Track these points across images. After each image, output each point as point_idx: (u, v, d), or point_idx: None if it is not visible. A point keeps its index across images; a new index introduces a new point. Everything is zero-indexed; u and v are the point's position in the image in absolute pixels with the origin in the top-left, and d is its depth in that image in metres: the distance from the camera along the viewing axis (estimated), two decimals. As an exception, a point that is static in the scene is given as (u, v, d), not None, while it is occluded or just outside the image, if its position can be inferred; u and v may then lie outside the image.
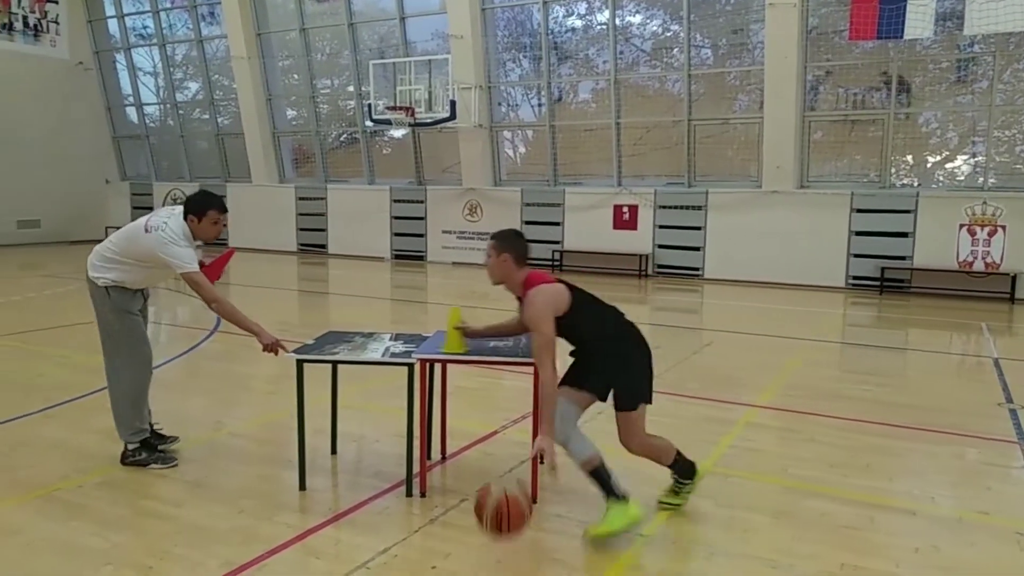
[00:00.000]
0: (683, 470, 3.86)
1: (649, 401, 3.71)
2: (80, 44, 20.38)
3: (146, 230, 4.31)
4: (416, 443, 4.10)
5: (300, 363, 4.05)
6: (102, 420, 4.68)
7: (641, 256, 14.53)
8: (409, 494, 4.00)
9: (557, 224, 15.38)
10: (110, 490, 4.09)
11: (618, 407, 3.69)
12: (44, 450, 4.70)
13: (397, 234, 17.24)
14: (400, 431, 4.25)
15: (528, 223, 15.30)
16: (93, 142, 20.91)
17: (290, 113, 19.09)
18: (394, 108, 14.14)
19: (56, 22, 19.80)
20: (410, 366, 3.95)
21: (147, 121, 20.90)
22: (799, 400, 6.12)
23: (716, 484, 4.21)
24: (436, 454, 4.58)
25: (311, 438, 4.24)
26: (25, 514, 3.76)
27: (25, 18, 19.12)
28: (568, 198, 15.32)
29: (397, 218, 17.22)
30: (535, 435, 3.65)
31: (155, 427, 4.64)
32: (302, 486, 4.10)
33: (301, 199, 18.46)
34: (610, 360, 3.70)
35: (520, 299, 3.74)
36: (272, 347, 4.26)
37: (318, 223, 18.24)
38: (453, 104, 14.17)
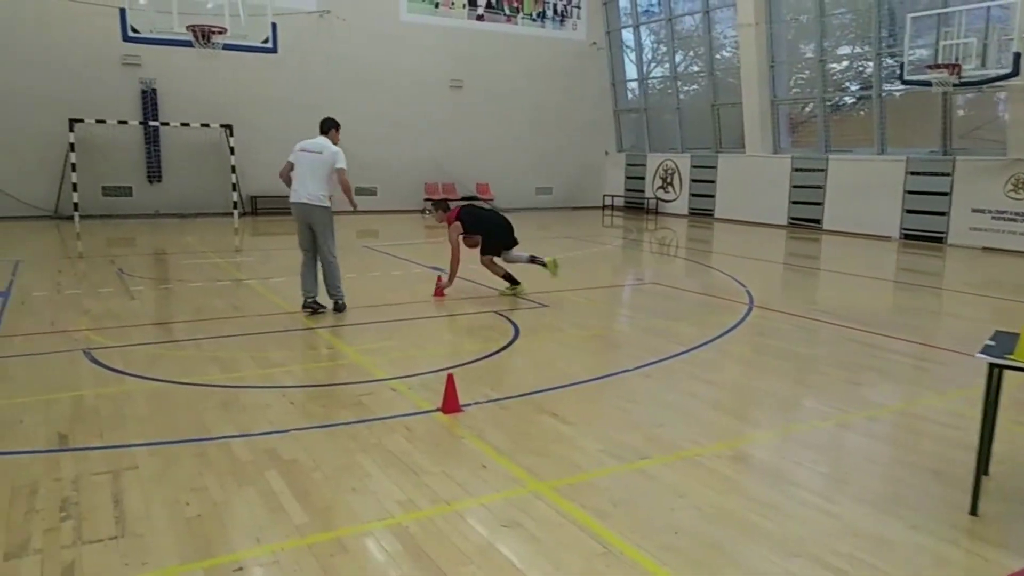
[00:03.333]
0: (511, 280, 8.50)
1: (497, 254, 8.50)
2: (595, 25, 22.26)
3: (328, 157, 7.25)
4: None
5: (997, 369, 3.37)
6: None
7: None
8: None
9: None
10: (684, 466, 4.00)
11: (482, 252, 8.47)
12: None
13: (910, 211, 15.27)
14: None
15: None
16: (598, 116, 22.81)
17: (791, 79, 18.20)
18: (935, 66, 12.30)
19: (578, 7, 21.90)
20: None
21: (646, 94, 21.97)
22: None
23: None
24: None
25: (957, 451, 3.56)
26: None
27: (555, 5, 21.52)
28: None
29: (912, 192, 15.22)
30: None
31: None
32: (973, 510, 3.47)
33: (796, 170, 17.56)
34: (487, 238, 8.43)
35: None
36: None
37: (813, 196, 17.16)
38: (1017, 57, 11.76)
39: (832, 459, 4.13)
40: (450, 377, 4.80)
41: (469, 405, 4.82)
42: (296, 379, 5.42)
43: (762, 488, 3.72)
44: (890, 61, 15.52)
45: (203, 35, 10.21)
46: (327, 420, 4.57)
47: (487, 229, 8.47)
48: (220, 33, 10.37)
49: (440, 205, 8.79)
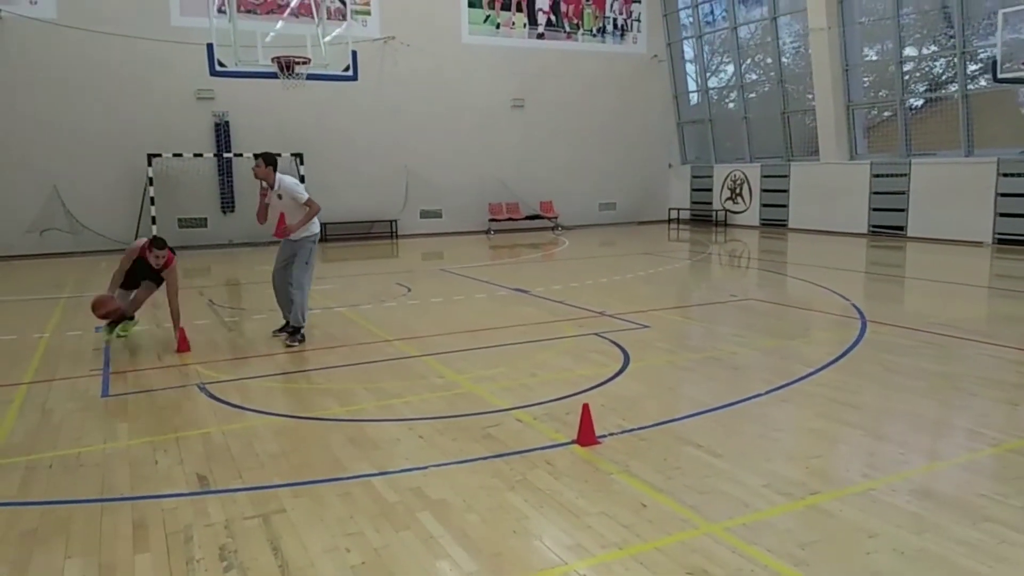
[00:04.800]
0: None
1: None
2: (655, 37, 22.01)
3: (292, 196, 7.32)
4: None
5: None
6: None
7: None
8: None
9: None
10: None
11: None
12: (808, 438, 4.57)
13: (1003, 214, 14.56)
14: None
15: None
16: (660, 129, 22.50)
17: (865, 82, 17.67)
18: (1033, 62, 11.72)
19: (638, 20, 21.71)
20: None
21: (709, 104, 21.60)
22: None
23: None
24: None
25: None
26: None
27: (615, 20, 21.36)
28: None
29: (1004, 195, 14.52)
30: None
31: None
32: None
33: (876, 176, 16.94)
34: None
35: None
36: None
37: (896, 202, 16.52)
38: (1125, 48, 11.14)
39: (1021, 491, 3.77)
40: (586, 407, 4.59)
41: (604, 436, 4.60)
42: (417, 411, 5.27)
43: (958, 526, 3.40)
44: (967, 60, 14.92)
45: (287, 66, 10.31)
46: (462, 455, 4.39)
47: None
48: (304, 63, 10.47)
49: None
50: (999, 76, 12.69)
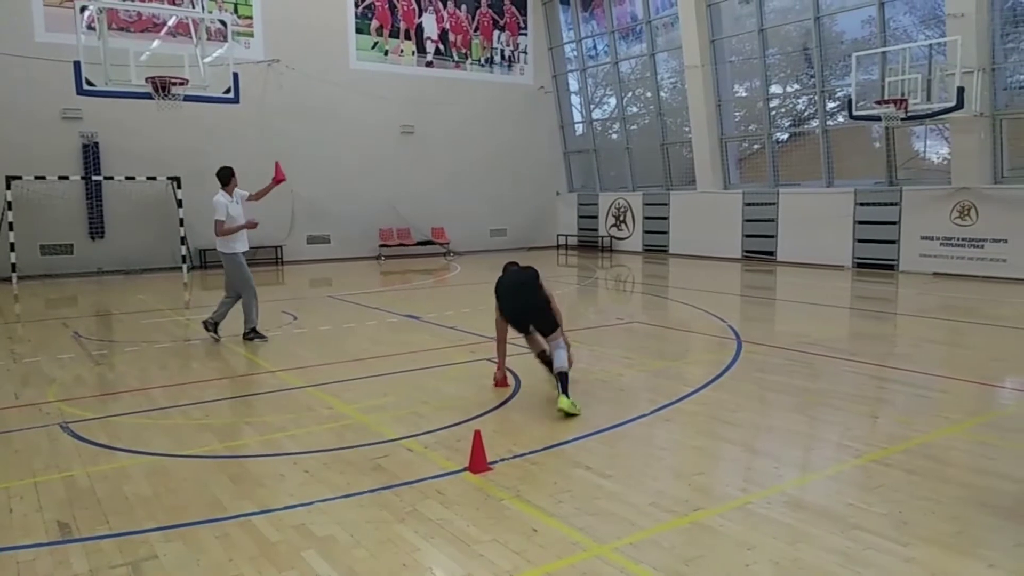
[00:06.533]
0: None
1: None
2: (542, 69, 22.58)
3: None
4: None
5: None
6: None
7: None
8: None
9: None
10: (803, 512, 3.87)
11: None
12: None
13: (861, 240, 15.75)
14: None
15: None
16: (548, 157, 23.02)
17: (736, 116, 18.77)
18: (883, 101, 12.80)
19: (525, 52, 22.22)
20: None
21: (594, 135, 22.31)
22: None
23: None
24: None
25: (1004, 482, 3.54)
26: (740, 528, 3.68)
27: (502, 51, 21.77)
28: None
29: (862, 223, 15.72)
30: None
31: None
32: (1044, 543, 3.41)
33: (748, 204, 17.97)
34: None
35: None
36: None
37: (766, 228, 17.55)
38: (960, 91, 12.34)
39: (885, 499, 4.03)
40: (477, 434, 4.57)
41: (496, 462, 4.59)
42: (302, 444, 5.09)
43: (829, 535, 3.59)
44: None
45: (162, 87, 9.85)
46: (350, 488, 4.27)
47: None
48: (181, 84, 10.03)
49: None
50: (854, 113, 13.79)
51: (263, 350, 8.29)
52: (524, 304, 6.06)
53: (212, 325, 8.70)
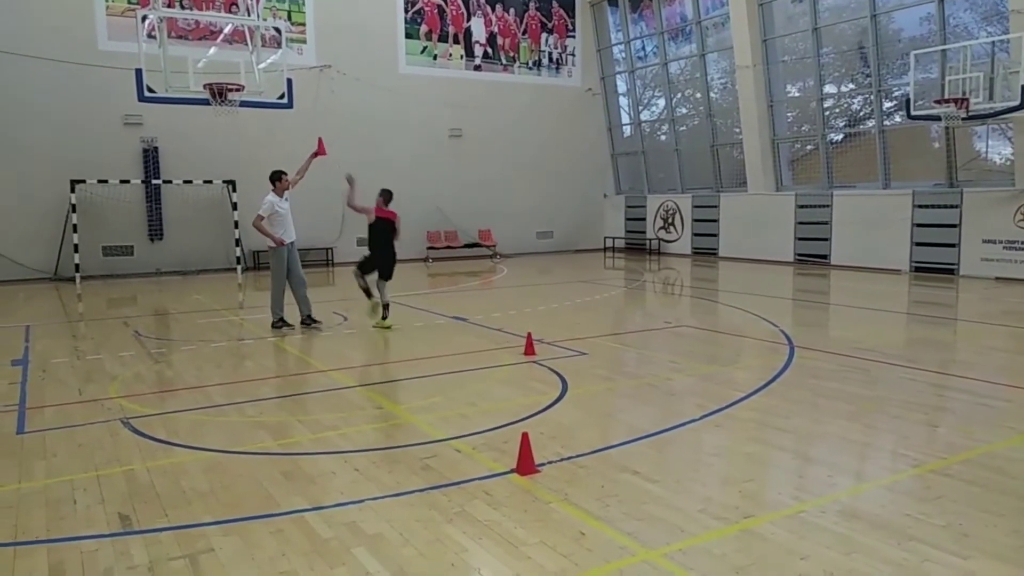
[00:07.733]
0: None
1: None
2: (590, 71, 22.51)
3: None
4: None
5: None
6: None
7: None
8: None
9: None
10: (857, 522, 3.78)
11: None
12: (742, 462, 4.66)
13: (919, 243, 15.31)
14: None
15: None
16: (595, 160, 22.93)
17: (789, 116, 18.43)
18: (943, 101, 12.43)
19: (573, 54, 22.19)
20: None
21: (643, 137, 22.15)
22: None
23: None
24: None
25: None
26: (792, 536, 3.61)
27: (550, 54, 21.79)
28: None
29: (920, 225, 15.28)
30: None
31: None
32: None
33: (800, 207, 17.62)
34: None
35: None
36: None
37: (820, 232, 17.19)
38: (1024, 89, 11.93)
39: (944, 510, 3.91)
40: (525, 436, 4.58)
41: (543, 465, 4.59)
42: (353, 443, 5.17)
43: (885, 546, 3.50)
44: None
45: (219, 93, 10.13)
46: (399, 488, 4.32)
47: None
48: (237, 90, 10.30)
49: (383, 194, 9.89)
50: (912, 113, 13.41)
51: (314, 349, 8.44)
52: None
53: (281, 320, 9.55)
